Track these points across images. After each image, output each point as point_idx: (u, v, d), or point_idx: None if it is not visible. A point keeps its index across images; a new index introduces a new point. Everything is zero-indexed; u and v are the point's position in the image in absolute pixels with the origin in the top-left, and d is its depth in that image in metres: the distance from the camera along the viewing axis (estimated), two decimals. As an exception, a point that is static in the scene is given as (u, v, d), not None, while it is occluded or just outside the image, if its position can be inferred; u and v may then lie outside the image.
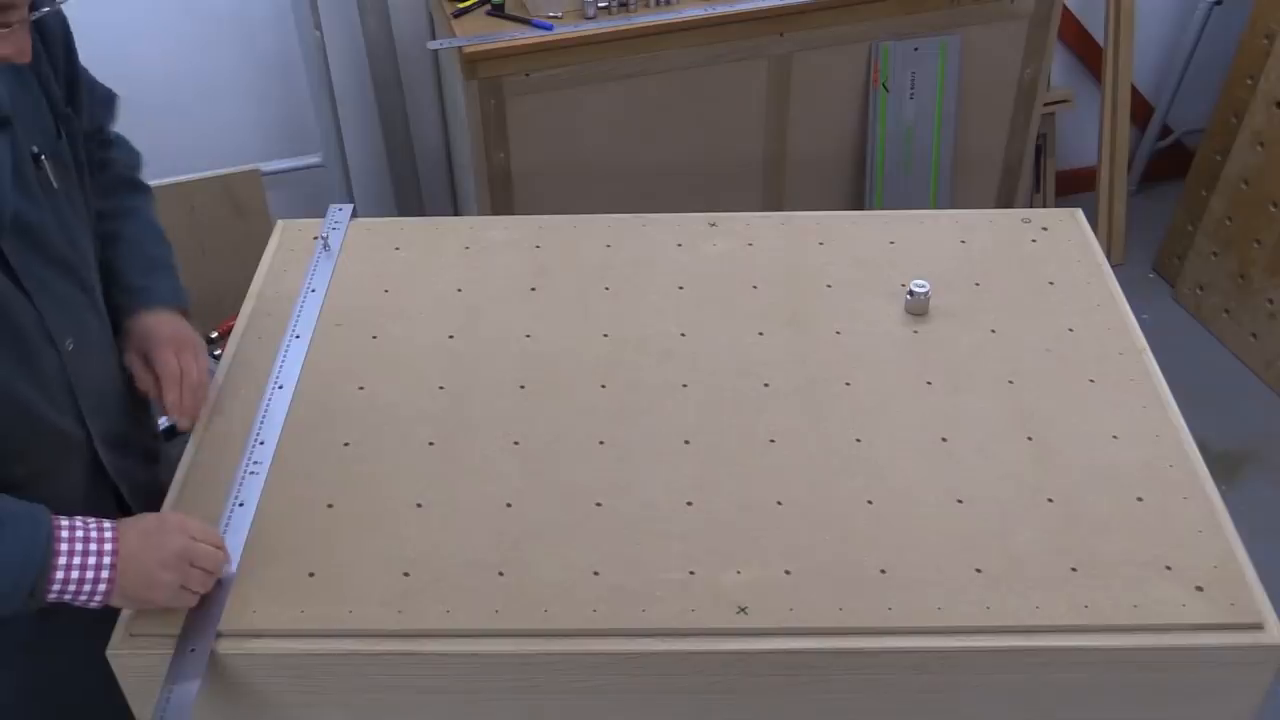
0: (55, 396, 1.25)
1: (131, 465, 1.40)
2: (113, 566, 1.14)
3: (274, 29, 2.65)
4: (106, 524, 1.16)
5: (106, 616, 1.21)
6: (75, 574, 1.13)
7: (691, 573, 1.26)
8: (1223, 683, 1.25)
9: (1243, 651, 1.21)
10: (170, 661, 1.18)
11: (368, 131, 2.79)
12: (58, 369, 1.25)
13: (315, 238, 1.70)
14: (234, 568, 1.26)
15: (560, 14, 2.34)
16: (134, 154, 1.51)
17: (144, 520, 1.20)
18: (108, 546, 1.15)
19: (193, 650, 1.19)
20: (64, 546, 1.13)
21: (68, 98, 1.29)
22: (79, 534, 1.14)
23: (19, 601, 1.12)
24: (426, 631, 1.21)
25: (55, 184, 1.24)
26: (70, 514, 1.19)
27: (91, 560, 1.13)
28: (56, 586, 1.13)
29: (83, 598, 1.14)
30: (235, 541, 1.28)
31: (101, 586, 1.14)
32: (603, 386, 1.48)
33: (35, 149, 1.21)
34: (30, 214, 1.19)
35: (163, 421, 1.64)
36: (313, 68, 2.65)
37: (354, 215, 1.76)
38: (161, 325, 1.42)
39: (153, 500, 1.37)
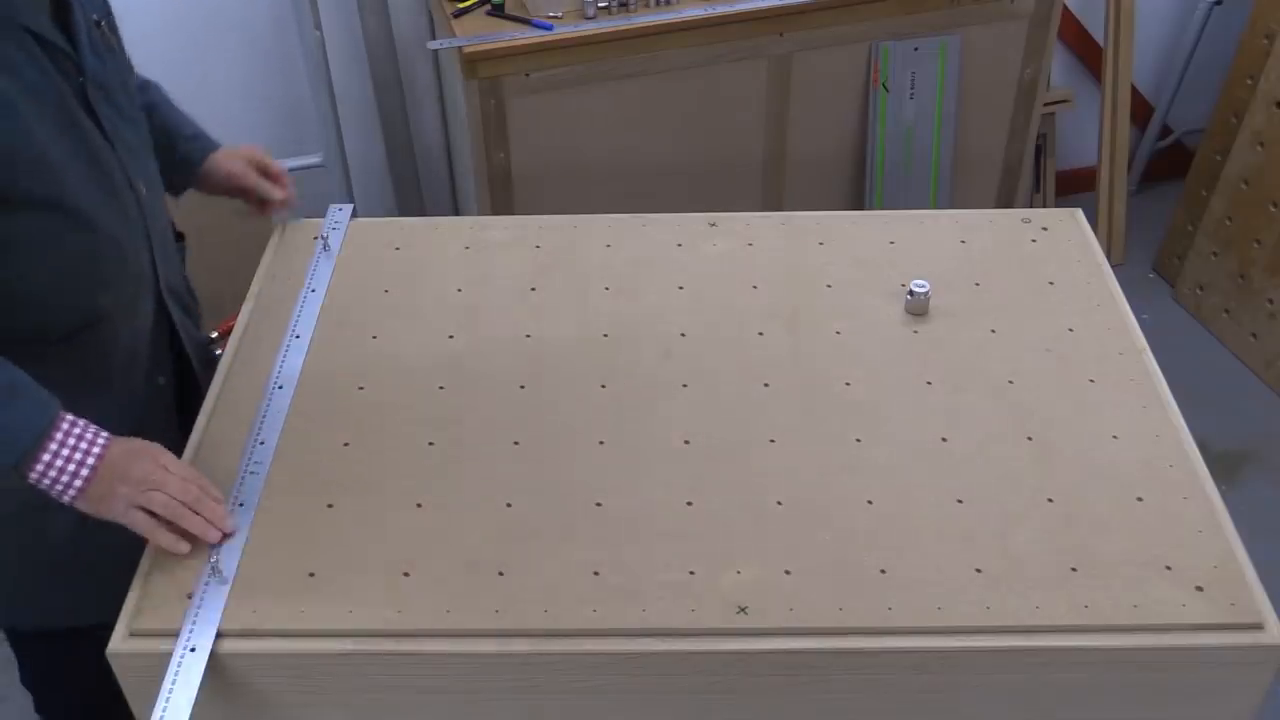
0: (136, 236, 1.39)
1: (183, 314, 1.54)
2: (92, 469, 1.22)
3: (274, 29, 2.65)
4: (104, 434, 1.25)
5: None
6: (59, 463, 1.21)
7: (691, 573, 1.26)
8: (1223, 683, 1.25)
9: (1243, 651, 1.21)
10: (170, 661, 1.18)
11: (368, 131, 2.79)
12: (136, 212, 1.39)
13: (315, 238, 1.70)
14: (231, 526, 1.28)
15: (560, 14, 2.34)
16: None
17: (132, 441, 1.28)
18: (96, 450, 1.23)
19: (193, 650, 1.19)
20: (59, 436, 1.22)
21: None
22: (76, 430, 1.23)
23: (4, 474, 1.22)
24: (426, 631, 1.21)
25: (113, 46, 1.39)
26: (139, 351, 1.42)
27: (77, 456, 1.22)
28: (40, 467, 1.21)
29: (58, 488, 1.22)
30: (235, 541, 1.28)
31: (77, 483, 1.22)
32: (603, 386, 1.48)
33: (95, 16, 1.35)
34: (100, 72, 1.33)
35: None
36: (313, 68, 2.65)
37: (354, 215, 1.76)
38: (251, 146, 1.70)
39: (201, 351, 1.58)
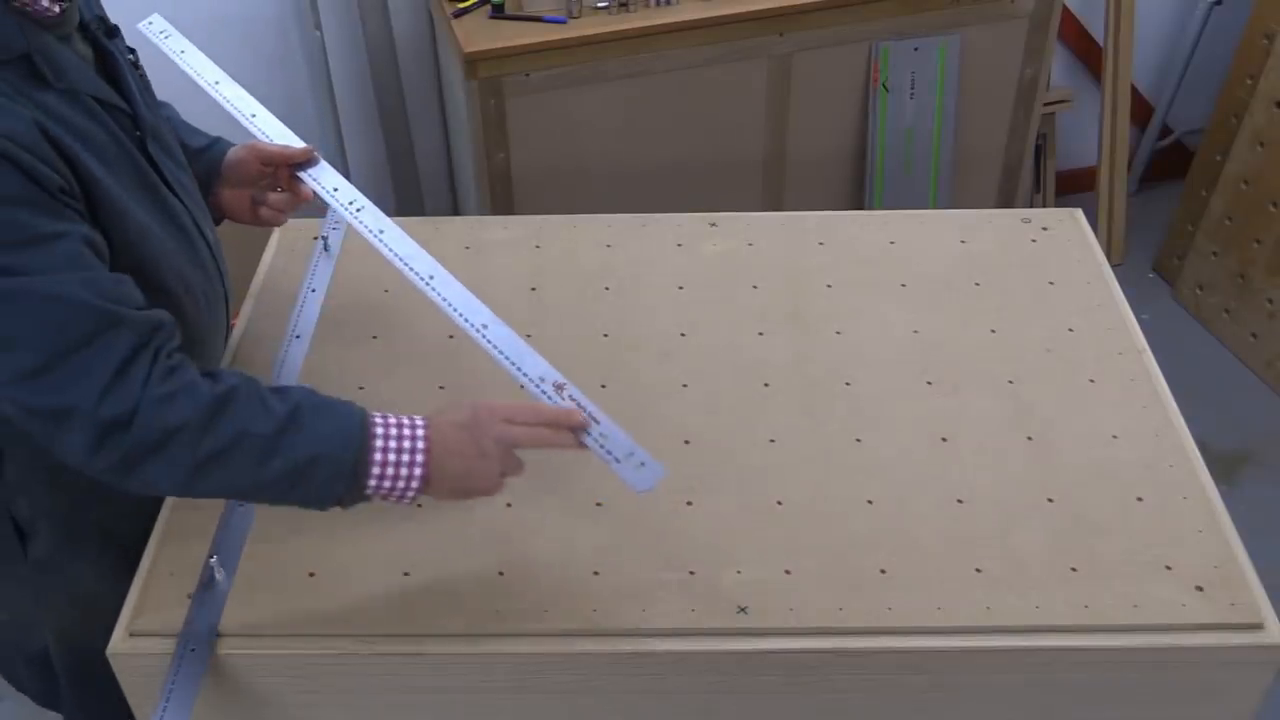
0: (212, 281, 1.38)
1: None
2: (426, 452, 1.14)
3: (274, 29, 2.64)
4: (418, 417, 1.16)
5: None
6: (392, 457, 1.13)
7: (691, 573, 1.26)
8: (1223, 683, 1.25)
9: (1243, 651, 1.21)
10: (170, 661, 1.18)
11: (368, 131, 2.79)
12: (210, 258, 1.38)
13: (315, 238, 1.70)
14: (581, 418, 1.17)
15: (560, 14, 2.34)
16: None
17: (451, 411, 1.18)
18: (420, 433, 1.14)
19: (193, 650, 1.19)
20: (379, 432, 1.13)
21: None
22: (392, 422, 1.14)
23: (342, 487, 1.12)
24: (426, 631, 1.21)
25: (149, 85, 1.34)
26: None
27: (406, 445, 1.13)
28: (376, 470, 1.12)
29: (400, 485, 1.14)
30: (235, 541, 1.28)
31: (418, 471, 1.13)
32: (603, 386, 1.48)
33: (132, 57, 1.31)
34: (152, 120, 1.28)
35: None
36: (313, 68, 2.65)
37: (354, 215, 1.75)
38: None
39: None
